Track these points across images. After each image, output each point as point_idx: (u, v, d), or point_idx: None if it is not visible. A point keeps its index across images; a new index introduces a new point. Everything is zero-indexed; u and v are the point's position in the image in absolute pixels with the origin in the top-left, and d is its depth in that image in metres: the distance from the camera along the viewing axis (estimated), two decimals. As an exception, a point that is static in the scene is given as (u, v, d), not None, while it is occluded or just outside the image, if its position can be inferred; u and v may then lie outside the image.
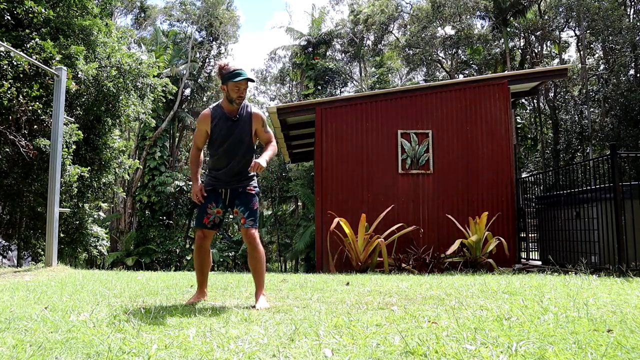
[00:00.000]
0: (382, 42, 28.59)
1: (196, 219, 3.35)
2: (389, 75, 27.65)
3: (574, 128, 20.60)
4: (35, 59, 7.23)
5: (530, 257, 8.61)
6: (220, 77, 3.17)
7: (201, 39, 27.24)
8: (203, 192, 3.28)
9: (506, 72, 12.38)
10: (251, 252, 3.25)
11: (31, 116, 7.53)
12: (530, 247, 8.80)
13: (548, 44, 24.73)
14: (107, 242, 11.32)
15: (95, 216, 10.86)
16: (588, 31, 20.32)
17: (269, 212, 26.55)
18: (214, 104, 3.34)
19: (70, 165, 8.08)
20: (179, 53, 25.95)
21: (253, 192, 3.30)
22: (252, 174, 3.30)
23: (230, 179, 3.27)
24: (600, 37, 19.92)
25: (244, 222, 3.21)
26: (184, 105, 26.40)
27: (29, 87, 7.42)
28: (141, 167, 21.97)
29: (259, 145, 3.58)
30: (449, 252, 7.43)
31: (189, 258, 22.99)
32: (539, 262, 8.03)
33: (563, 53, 25.20)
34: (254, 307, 3.04)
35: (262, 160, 3.13)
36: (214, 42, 27.13)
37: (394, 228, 7.78)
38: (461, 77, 24.65)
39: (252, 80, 3.18)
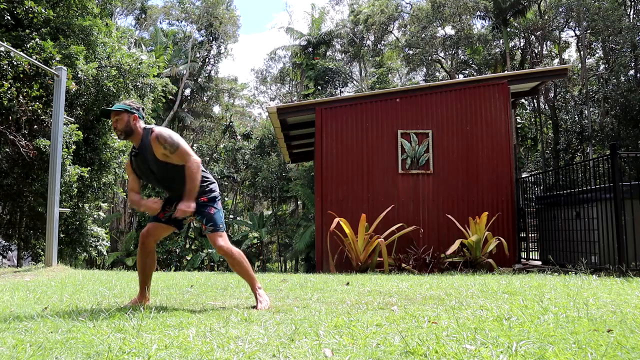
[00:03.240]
0: (382, 42, 28.59)
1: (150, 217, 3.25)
2: (389, 75, 27.65)
3: (574, 128, 20.59)
4: (35, 59, 7.23)
5: (530, 257, 8.61)
6: None
7: (201, 38, 27.24)
8: (158, 204, 3.04)
9: (506, 72, 12.37)
10: (227, 259, 3.18)
11: (31, 116, 7.53)
12: (530, 247, 8.80)
13: (548, 44, 24.72)
14: (107, 242, 11.32)
15: (95, 216, 10.85)
16: (588, 31, 20.31)
17: (269, 212, 26.55)
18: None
19: (70, 165, 8.08)
20: (179, 53, 25.96)
21: (205, 200, 3.11)
22: (204, 183, 3.13)
23: (179, 198, 3.06)
24: (600, 37, 19.91)
25: (205, 228, 3.11)
26: (184, 105, 26.41)
27: (29, 87, 7.42)
28: (141, 167, 21.95)
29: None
30: (449, 252, 7.43)
31: (189, 258, 23.00)
32: (539, 262, 8.02)
33: (563, 53, 25.20)
34: (254, 307, 3.03)
35: (184, 203, 2.93)
36: (213, 42, 27.14)
37: (394, 228, 7.77)
38: (461, 77, 24.65)
39: (111, 111, 3.03)
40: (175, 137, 3.01)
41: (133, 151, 3.11)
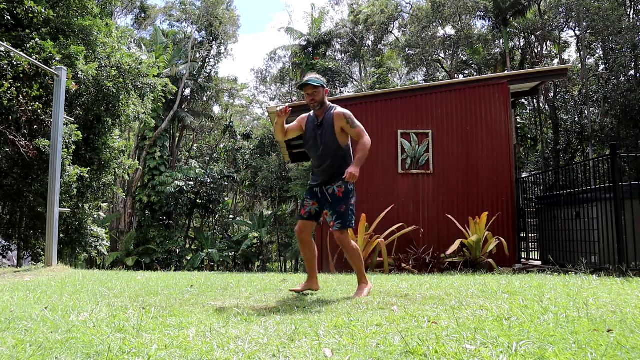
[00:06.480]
0: (382, 42, 28.59)
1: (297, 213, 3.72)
2: (389, 75, 27.65)
3: (574, 128, 20.60)
4: (35, 59, 7.23)
5: (530, 257, 8.60)
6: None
7: (201, 39, 27.23)
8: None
9: (506, 72, 12.37)
10: (345, 251, 3.62)
11: (31, 116, 7.53)
12: (530, 247, 8.80)
13: (548, 44, 24.73)
14: (107, 242, 11.32)
15: (95, 216, 10.85)
16: (588, 31, 20.32)
17: (269, 212, 26.55)
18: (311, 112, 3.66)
19: (70, 165, 8.08)
20: (179, 53, 25.96)
21: (340, 194, 3.49)
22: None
23: (323, 182, 3.57)
24: (600, 37, 19.92)
25: (333, 225, 3.50)
26: (184, 105, 26.41)
27: (29, 87, 7.42)
28: (141, 167, 21.96)
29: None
30: (449, 252, 7.43)
31: (189, 258, 22.99)
32: (539, 262, 8.02)
33: (563, 53, 25.20)
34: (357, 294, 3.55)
35: (353, 168, 3.35)
36: (214, 42, 27.13)
37: (394, 228, 7.77)
38: (461, 77, 24.65)
39: (312, 85, 3.48)
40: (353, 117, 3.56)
41: (316, 121, 3.64)
